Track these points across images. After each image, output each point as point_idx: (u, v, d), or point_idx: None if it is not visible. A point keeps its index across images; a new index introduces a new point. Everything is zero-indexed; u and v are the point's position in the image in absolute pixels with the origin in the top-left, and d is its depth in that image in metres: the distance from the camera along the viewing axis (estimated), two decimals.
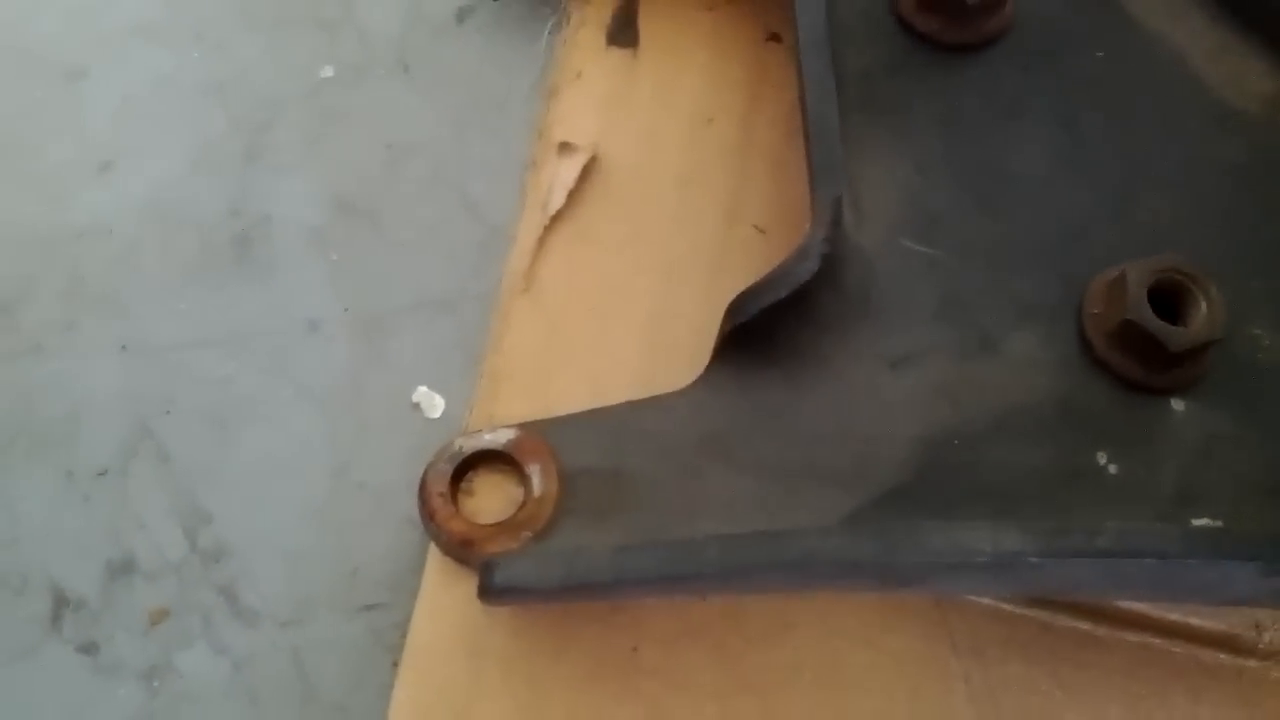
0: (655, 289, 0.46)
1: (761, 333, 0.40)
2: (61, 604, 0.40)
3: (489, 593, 0.35)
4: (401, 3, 0.51)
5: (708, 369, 0.41)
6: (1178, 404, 0.39)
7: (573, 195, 0.47)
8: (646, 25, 0.50)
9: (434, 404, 0.45)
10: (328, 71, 0.50)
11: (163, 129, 0.49)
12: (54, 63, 0.50)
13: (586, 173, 0.47)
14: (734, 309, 0.40)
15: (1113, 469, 0.38)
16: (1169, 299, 0.40)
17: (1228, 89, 0.45)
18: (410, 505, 0.40)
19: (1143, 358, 0.39)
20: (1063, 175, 0.43)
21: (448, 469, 0.38)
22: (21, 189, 0.48)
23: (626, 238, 0.47)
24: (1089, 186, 0.43)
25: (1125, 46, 0.46)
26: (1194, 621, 0.40)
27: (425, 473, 0.39)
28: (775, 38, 0.50)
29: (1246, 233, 0.42)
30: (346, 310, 0.46)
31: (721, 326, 0.40)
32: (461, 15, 0.51)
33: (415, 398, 0.45)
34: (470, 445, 0.39)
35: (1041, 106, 0.44)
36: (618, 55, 0.50)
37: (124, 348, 0.45)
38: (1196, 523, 0.37)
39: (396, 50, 0.51)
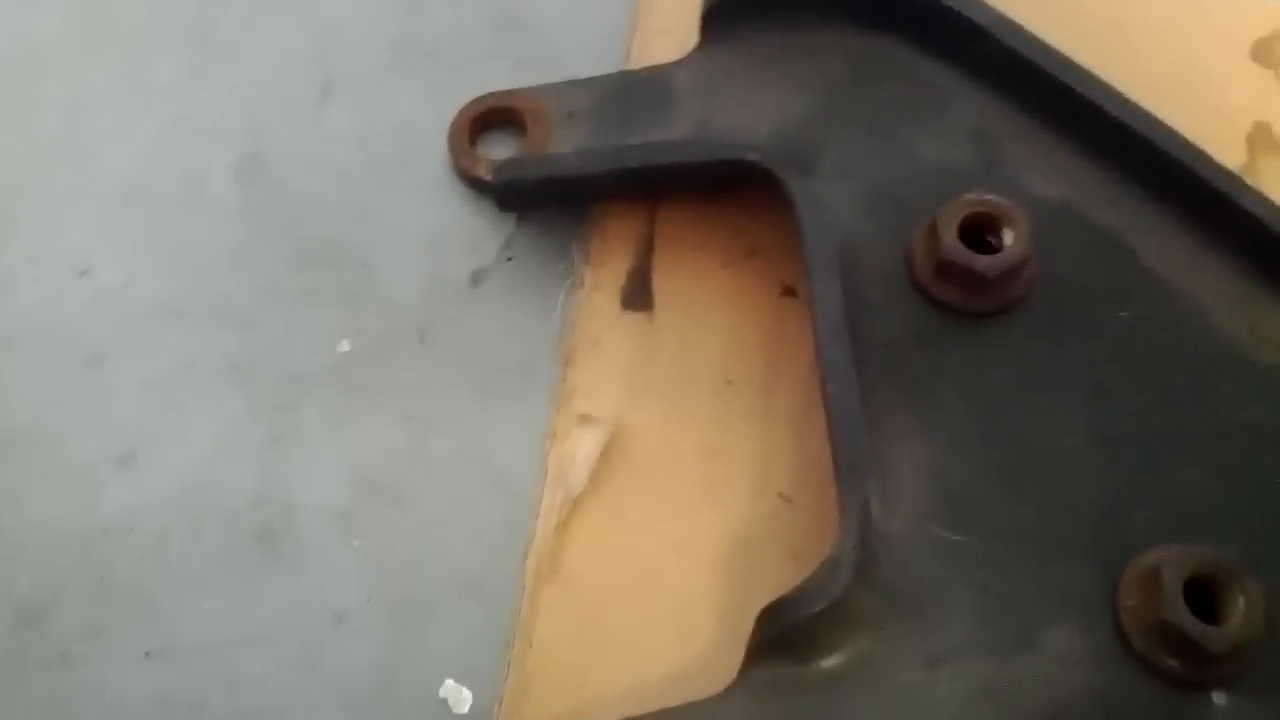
0: (684, 569, 0.45)
1: (794, 640, 0.39)
2: None
3: None
4: (416, 270, 0.51)
5: (742, 672, 0.40)
6: (1219, 698, 0.39)
7: (595, 471, 0.47)
8: (661, 285, 0.50)
9: (462, 699, 0.44)
10: (345, 346, 0.50)
11: (184, 415, 0.49)
12: (73, 350, 0.50)
13: (608, 446, 0.47)
14: (766, 619, 0.39)
15: None
16: (1206, 592, 0.39)
17: (1252, 343, 0.45)
18: None
19: (1181, 655, 0.38)
20: (1093, 449, 0.43)
21: None
22: (45, 486, 0.47)
23: (652, 514, 0.46)
24: (1120, 460, 0.42)
25: (1148, 304, 0.45)
26: None
27: None
28: (791, 291, 0.50)
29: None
30: (372, 600, 0.46)
31: (753, 633, 0.40)
32: (476, 279, 0.51)
33: (443, 693, 0.44)
34: None
35: (1068, 374, 0.44)
36: (633, 318, 0.50)
37: (152, 652, 0.44)
38: None
39: (414, 319, 0.50)
